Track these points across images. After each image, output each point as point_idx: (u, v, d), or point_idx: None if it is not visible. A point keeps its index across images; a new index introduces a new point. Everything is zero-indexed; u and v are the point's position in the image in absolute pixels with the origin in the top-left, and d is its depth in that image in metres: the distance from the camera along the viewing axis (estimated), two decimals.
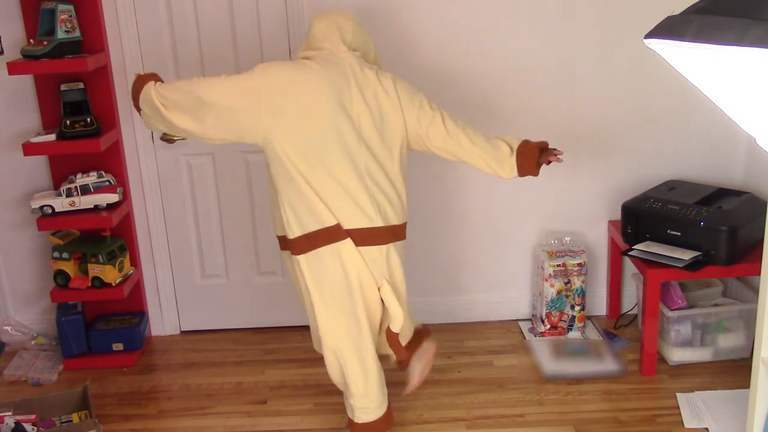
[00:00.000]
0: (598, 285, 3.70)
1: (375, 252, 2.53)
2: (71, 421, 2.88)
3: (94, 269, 3.33)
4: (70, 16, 3.12)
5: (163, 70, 3.34)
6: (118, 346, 3.48)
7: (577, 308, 3.49)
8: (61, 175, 3.40)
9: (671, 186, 3.38)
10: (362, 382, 2.64)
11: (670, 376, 3.19)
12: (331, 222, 2.47)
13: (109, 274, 3.32)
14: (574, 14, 3.32)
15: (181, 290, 3.71)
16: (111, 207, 3.31)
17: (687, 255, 3.03)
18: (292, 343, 3.60)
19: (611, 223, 3.58)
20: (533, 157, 2.64)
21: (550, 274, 3.44)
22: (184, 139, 3.44)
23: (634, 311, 3.67)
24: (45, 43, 3.04)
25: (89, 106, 3.28)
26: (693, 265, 3.00)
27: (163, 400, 3.20)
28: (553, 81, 3.41)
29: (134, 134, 3.45)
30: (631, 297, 3.72)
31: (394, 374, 3.16)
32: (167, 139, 3.44)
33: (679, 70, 1.04)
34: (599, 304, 3.74)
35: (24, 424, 2.71)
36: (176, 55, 3.36)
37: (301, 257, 2.53)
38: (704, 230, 3.02)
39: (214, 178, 3.54)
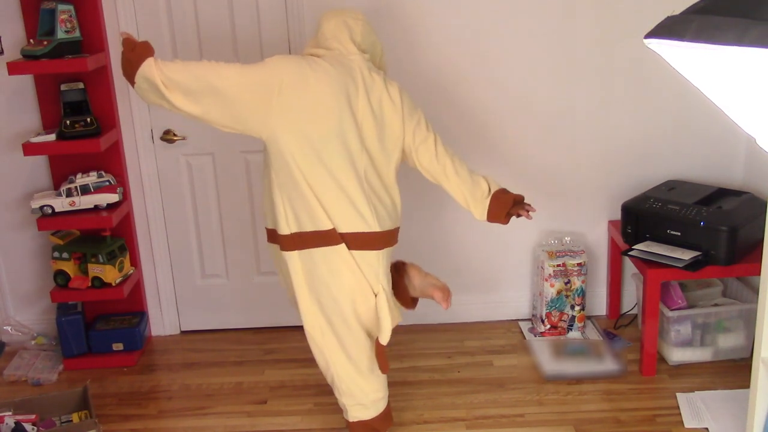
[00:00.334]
0: (598, 285, 3.70)
1: (371, 256, 2.52)
2: (71, 421, 2.88)
3: (94, 269, 3.33)
4: (70, 16, 3.12)
5: None
6: (118, 346, 3.49)
7: (577, 308, 3.49)
8: (61, 175, 3.40)
9: (671, 186, 3.38)
10: (349, 379, 2.63)
11: (670, 376, 3.19)
12: (326, 226, 2.46)
13: (109, 274, 3.32)
14: (574, 14, 3.32)
15: (181, 290, 3.71)
16: (111, 207, 3.31)
17: (687, 255, 3.03)
18: (292, 343, 3.60)
19: (611, 223, 3.58)
20: (505, 206, 2.67)
21: (550, 274, 3.44)
22: (184, 138, 3.45)
23: (634, 311, 3.67)
24: (45, 43, 3.04)
25: (89, 106, 3.28)
26: (693, 265, 3.00)
27: (163, 400, 3.20)
28: (553, 81, 3.41)
29: (134, 134, 3.45)
30: (631, 297, 3.72)
31: (394, 374, 3.17)
32: (167, 139, 3.44)
33: (679, 70, 1.04)
34: (599, 304, 3.74)
35: (24, 424, 2.71)
36: (176, 55, 3.35)
37: (294, 254, 2.53)
38: (704, 230, 3.02)
39: (214, 178, 3.54)
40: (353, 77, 2.50)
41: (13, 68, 3.05)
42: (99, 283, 3.33)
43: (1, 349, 3.57)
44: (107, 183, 3.32)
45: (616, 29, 3.34)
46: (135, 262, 3.56)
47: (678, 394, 3.04)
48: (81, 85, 3.25)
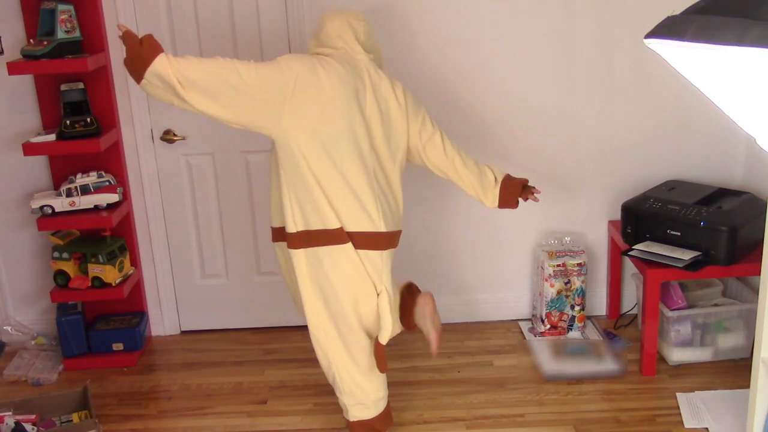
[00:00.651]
0: (598, 285, 3.70)
1: (375, 256, 2.53)
2: (71, 421, 2.88)
3: (94, 269, 3.33)
4: (70, 16, 3.12)
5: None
6: (118, 346, 3.48)
7: (577, 308, 3.49)
8: (61, 175, 3.40)
9: (671, 186, 3.38)
10: (350, 379, 2.63)
11: (670, 376, 3.19)
12: (334, 225, 2.47)
13: (109, 274, 3.32)
14: (575, 14, 3.32)
15: (181, 290, 3.71)
16: (111, 207, 3.31)
17: (687, 255, 3.03)
18: (292, 343, 3.60)
19: (611, 223, 3.58)
20: (516, 192, 2.77)
21: (550, 274, 3.44)
22: (183, 138, 3.45)
23: (634, 311, 3.67)
24: (45, 43, 3.04)
25: (89, 106, 3.28)
26: (693, 265, 3.00)
27: (163, 400, 3.20)
28: (553, 81, 3.41)
29: (134, 134, 3.45)
30: (631, 297, 3.72)
31: (394, 374, 3.17)
32: (167, 139, 3.44)
33: (679, 70, 1.04)
34: (599, 304, 3.74)
35: (24, 424, 2.71)
36: (176, 55, 3.35)
37: (300, 251, 2.53)
38: (704, 230, 3.02)
39: (214, 178, 3.54)
40: (361, 77, 2.50)
41: (13, 68, 3.05)
42: (99, 283, 3.33)
43: (1, 349, 3.57)
44: (107, 183, 3.32)
45: (616, 29, 3.34)
46: (135, 262, 3.56)
47: (678, 394, 3.04)
48: (81, 85, 3.25)
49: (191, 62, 2.31)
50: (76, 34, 3.16)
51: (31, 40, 3.11)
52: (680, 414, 2.92)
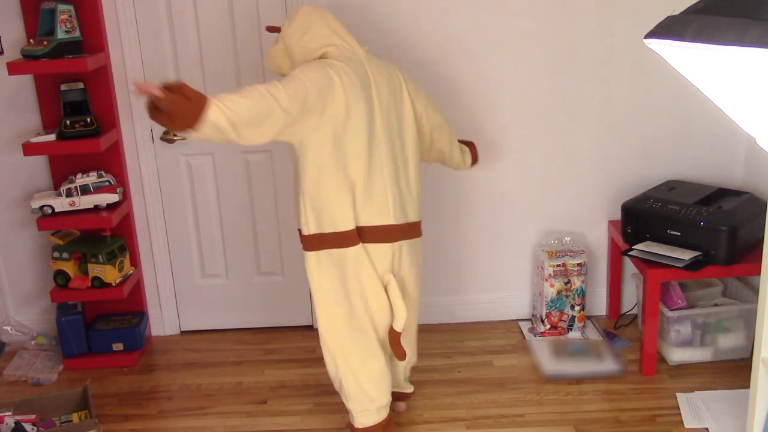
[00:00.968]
0: (598, 285, 3.70)
1: (385, 248, 2.54)
2: (71, 421, 2.88)
3: (94, 269, 3.33)
4: (70, 16, 3.12)
5: (163, 70, 3.35)
6: (118, 346, 3.48)
7: (577, 308, 3.49)
8: (61, 175, 3.40)
9: (671, 186, 3.38)
10: (357, 385, 2.64)
11: (670, 376, 3.19)
12: (346, 227, 2.47)
13: (109, 274, 3.32)
14: (575, 14, 3.32)
15: (181, 290, 3.71)
16: (111, 207, 3.31)
17: (687, 255, 3.03)
18: (292, 343, 3.60)
19: (611, 223, 3.58)
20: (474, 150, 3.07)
21: (550, 274, 3.44)
22: (184, 138, 3.45)
23: (634, 311, 3.67)
24: (45, 43, 3.04)
25: (89, 106, 3.28)
26: (693, 265, 3.00)
27: (163, 400, 3.20)
28: (553, 81, 3.41)
29: (134, 134, 3.45)
30: (631, 297, 3.72)
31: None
32: (167, 139, 3.44)
33: (679, 70, 1.04)
34: (599, 304, 3.74)
35: (24, 424, 2.71)
36: (176, 55, 3.36)
37: (311, 254, 2.53)
38: (704, 230, 3.02)
39: (214, 178, 3.54)
40: (366, 72, 2.50)
41: (13, 68, 3.05)
42: (99, 283, 3.33)
43: (1, 349, 3.57)
44: (107, 183, 3.32)
45: (616, 29, 3.34)
46: (135, 262, 3.56)
47: (678, 394, 3.04)
48: (81, 85, 3.25)
49: (238, 104, 2.19)
50: (76, 34, 3.16)
51: (31, 40, 3.11)
52: (680, 414, 2.92)
